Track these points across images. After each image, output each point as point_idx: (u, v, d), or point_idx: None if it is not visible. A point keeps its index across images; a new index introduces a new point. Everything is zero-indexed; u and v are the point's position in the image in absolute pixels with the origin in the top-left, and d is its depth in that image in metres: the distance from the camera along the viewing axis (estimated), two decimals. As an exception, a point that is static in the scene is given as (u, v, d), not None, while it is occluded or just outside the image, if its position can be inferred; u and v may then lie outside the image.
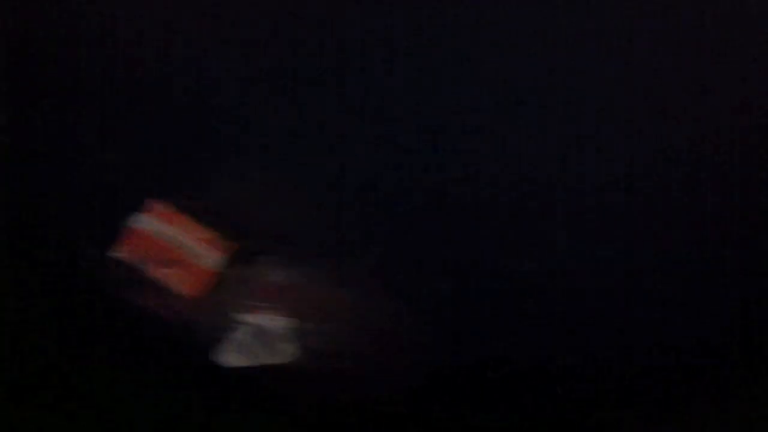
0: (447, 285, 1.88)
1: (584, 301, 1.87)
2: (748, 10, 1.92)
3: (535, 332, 1.87)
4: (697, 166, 1.91)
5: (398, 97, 1.91)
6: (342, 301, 1.87)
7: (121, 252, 1.84)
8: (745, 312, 1.87)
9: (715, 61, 1.92)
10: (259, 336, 1.84)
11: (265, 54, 1.92)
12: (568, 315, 1.87)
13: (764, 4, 1.92)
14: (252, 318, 1.85)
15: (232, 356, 1.83)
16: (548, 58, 1.90)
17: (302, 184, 1.90)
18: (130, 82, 1.92)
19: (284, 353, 1.84)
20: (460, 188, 1.90)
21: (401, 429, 1.87)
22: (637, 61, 1.91)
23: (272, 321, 1.84)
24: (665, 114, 1.91)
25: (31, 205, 1.91)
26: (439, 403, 1.87)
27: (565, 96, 1.90)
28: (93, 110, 1.93)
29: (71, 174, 1.92)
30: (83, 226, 1.89)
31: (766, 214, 1.89)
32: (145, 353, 1.86)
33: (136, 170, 1.91)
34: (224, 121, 1.92)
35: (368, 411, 1.86)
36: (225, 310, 1.85)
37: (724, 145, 1.90)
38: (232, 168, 1.91)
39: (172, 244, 1.85)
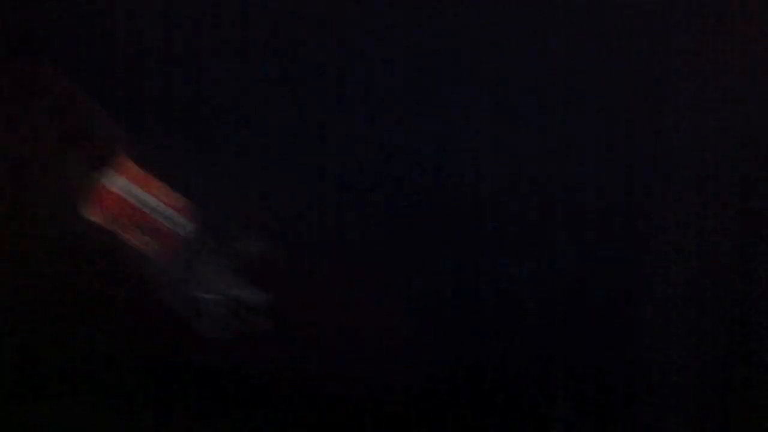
0: (447, 285, 1.88)
1: (584, 301, 1.87)
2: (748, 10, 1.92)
3: (535, 332, 1.87)
4: (698, 166, 1.91)
5: (398, 97, 1.91)
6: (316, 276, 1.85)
7: (94, 212, 1.77)
8: (745, 312, 1.87)
9: (719, 61, 1.91)
10: (233, 307, 1.80)
11: (265, 54, 1.92)
12: (568, 315, 1.87)
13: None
14: (224, 288, 1.82)
15: (206, 326, 1.80)
16: (548, 58, 1.90)
17: (302, 183, 1.90)
18: (130, 81, 1.92)
19: (257, 324, 1.80)
20: (460, 188, 1.90)
21: (401, 429, 1.87)
22: (637, 61, 1.90)
23: (245, 292, 1.81)
24: (666, 113, 1.91)
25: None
26: (439, 403, 1.87)
27: (565, 96, 1.89)
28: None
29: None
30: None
31: (765, 214, 1.89)
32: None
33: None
34: (224, 121, 1.92)
35: (368, 411, 1.86)
36: (197, 279, 1.81)
37: (725, 144, 1.90)
38: (231, 167, 1.91)
39: (144, 206, 1.78)
